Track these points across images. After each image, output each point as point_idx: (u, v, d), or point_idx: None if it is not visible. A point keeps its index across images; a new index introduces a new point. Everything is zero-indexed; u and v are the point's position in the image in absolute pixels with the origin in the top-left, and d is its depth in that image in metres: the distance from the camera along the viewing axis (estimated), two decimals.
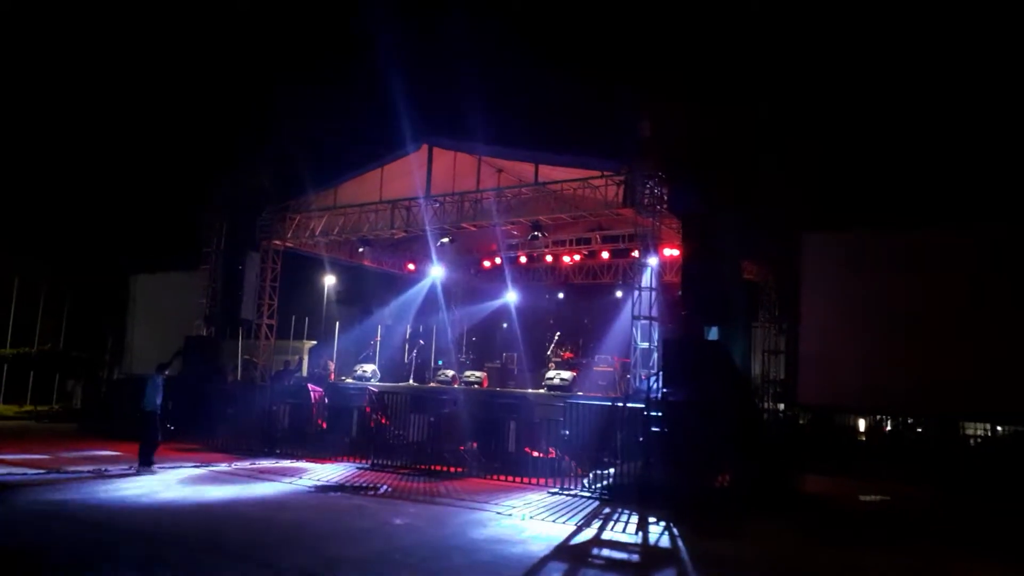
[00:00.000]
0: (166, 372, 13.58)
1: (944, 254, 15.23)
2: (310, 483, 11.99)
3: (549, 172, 16.08)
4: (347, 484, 12.10)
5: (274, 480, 12.15)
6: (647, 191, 14.18)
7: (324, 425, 16.14)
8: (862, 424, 18.24)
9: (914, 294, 15.15)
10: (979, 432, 15.81)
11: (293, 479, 12.29)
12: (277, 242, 20.17)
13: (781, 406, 15.45)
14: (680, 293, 13.91)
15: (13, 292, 24.69)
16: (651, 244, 14.22)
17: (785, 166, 17.10)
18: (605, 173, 15.00)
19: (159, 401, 13.02)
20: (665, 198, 14.19)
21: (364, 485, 12.06)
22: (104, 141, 25.44)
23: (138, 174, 24.22)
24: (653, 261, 14.38)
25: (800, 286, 15.74)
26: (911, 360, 14.87)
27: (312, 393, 16.48)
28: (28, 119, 25.47)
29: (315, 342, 25.61)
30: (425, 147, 17.71)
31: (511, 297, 23.40)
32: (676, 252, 16.50)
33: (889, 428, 17.51)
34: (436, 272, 22.50)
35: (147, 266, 23.50)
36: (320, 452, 15.10)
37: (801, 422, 15.82)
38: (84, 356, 24.57)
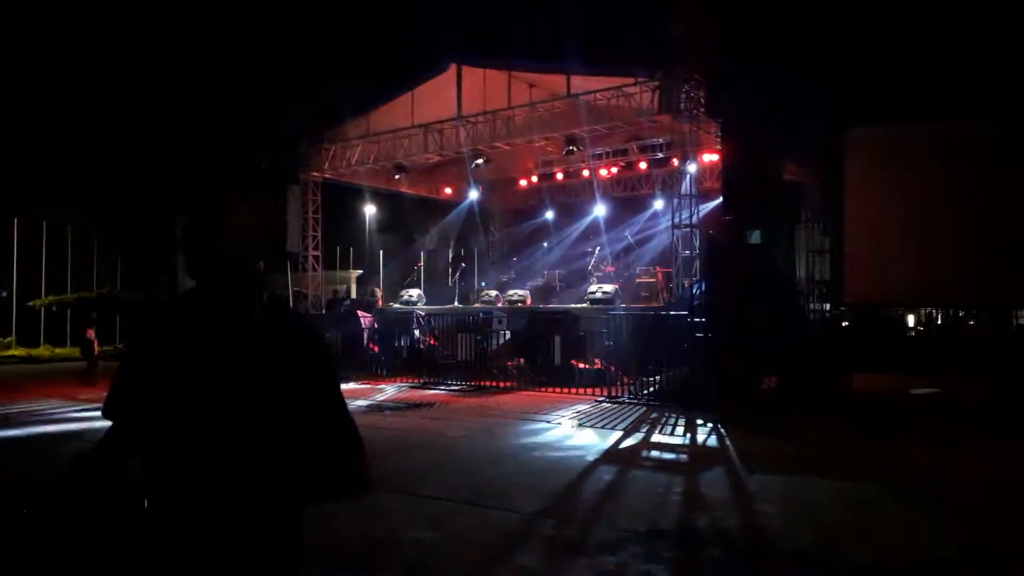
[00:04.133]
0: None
1: (994, 144, 14.65)
2: (365, 402, 12.44)
3: (582, 83, 15.75)
4: (401, 403, 12.53)
5: None
6: (684, 95, 13.84)
7: (376, 349, 16.61)
8: (911, 320, 18.04)
9: (963, 185, 14.66)
10: None
11: (349, 400, 12.73)
12: (315, 174, 20.30)
13: (827, 307, 15.33)
14: (721, 199, 13.73)
15: (68, 240, 25.51)
16: (690, 150, 13.97)
17: (826, 60, 16.42)
18: (639, 80, 14.65)
19: None
20: (703, 101, 13.85)
21: (417, 403, 12.47)
22: (139, 83, 25.63)
23: (174, 116, 24.44)
24: (692, 168, 14.17)
25: (844, 184, 15.34)
26: (962, 252, 14.51)
27: (362, 319, 16.91)
28: (62, 67, 25.71)
29: (361, 271, 26.05)
30: (453, 67, 17.46)
31: (550, 215, 23.35)
32: (715, 157, 16.19)
33: (940, 322, 17.29)
34: (473, 195, 22.49)
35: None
36: (374, 374, 15.60)
37: (847, 323, 15.71)
38: (140, 297, 25.44)
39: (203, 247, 1.80)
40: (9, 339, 22.97)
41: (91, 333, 17.26)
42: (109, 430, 1.82)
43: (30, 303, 24.11)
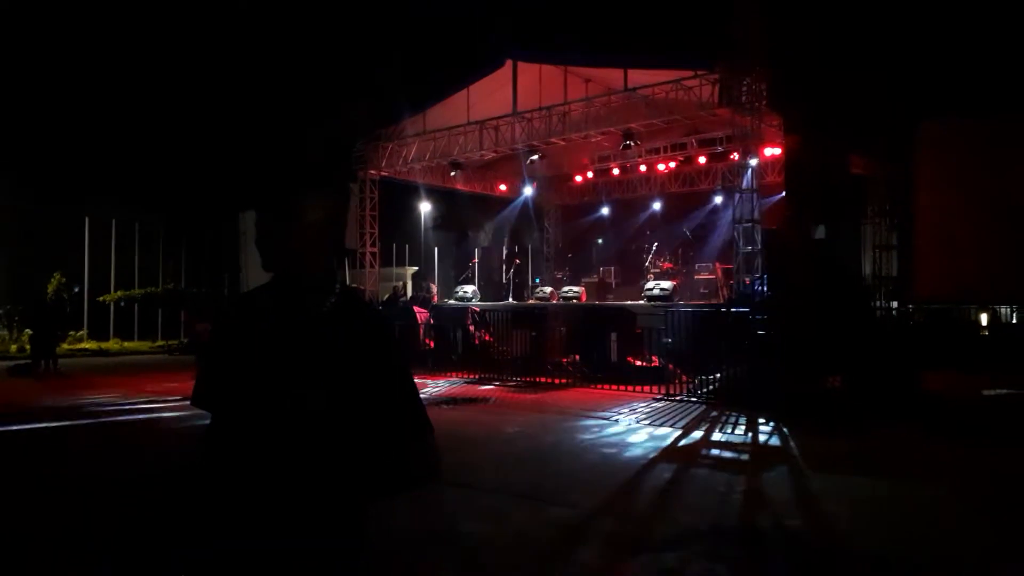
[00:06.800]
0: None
1: None
2: (423, 397, 12.50)
3: (639, 77, 15.55)
4: (458, 397, 12.56)
5: None
6: (744, 88, 13.53)
7: (431, 344, 16.72)
8: (984, 318, 17.33)
9: None
10: None
11: None
12: (373, 171, 20.55)
13: (895, 304, 14.82)
14: (784, 193, 13.38)
15: (136, 239, 26.38)
16: (751, 144, 13.66)
17: (893, 51, 15.87)
18: (698, 72, 14.37)
19: None
20: (765, 94, 13.51)
21: (474, 398, 12.49)
22: (199, 82, 26.31)
23: (233, 113, 25.04)
24: (754, 162, 13.86)
25: (915, 177, 14.82)
26: None
27: (418, 315, 17.03)
28: (126, 70, 26.54)
29: (416, 267, 26.28)
30: (509, 63, 17.43)
31: (605, 211, 23.18)
32: (778, 151, 15.82)
33: (1015, 320, 16.56)
34: (528, 191, 22.45)
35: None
36: (429, 369, 15.71)
37: (917, 319, 15.18)
38: (204, 292, 26.14)
39: (280, 241, 1.84)
40: (81, 332, 23.83)
41: (201, 327, 17.84)
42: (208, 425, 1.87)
43: (100, 298, 24.97)
